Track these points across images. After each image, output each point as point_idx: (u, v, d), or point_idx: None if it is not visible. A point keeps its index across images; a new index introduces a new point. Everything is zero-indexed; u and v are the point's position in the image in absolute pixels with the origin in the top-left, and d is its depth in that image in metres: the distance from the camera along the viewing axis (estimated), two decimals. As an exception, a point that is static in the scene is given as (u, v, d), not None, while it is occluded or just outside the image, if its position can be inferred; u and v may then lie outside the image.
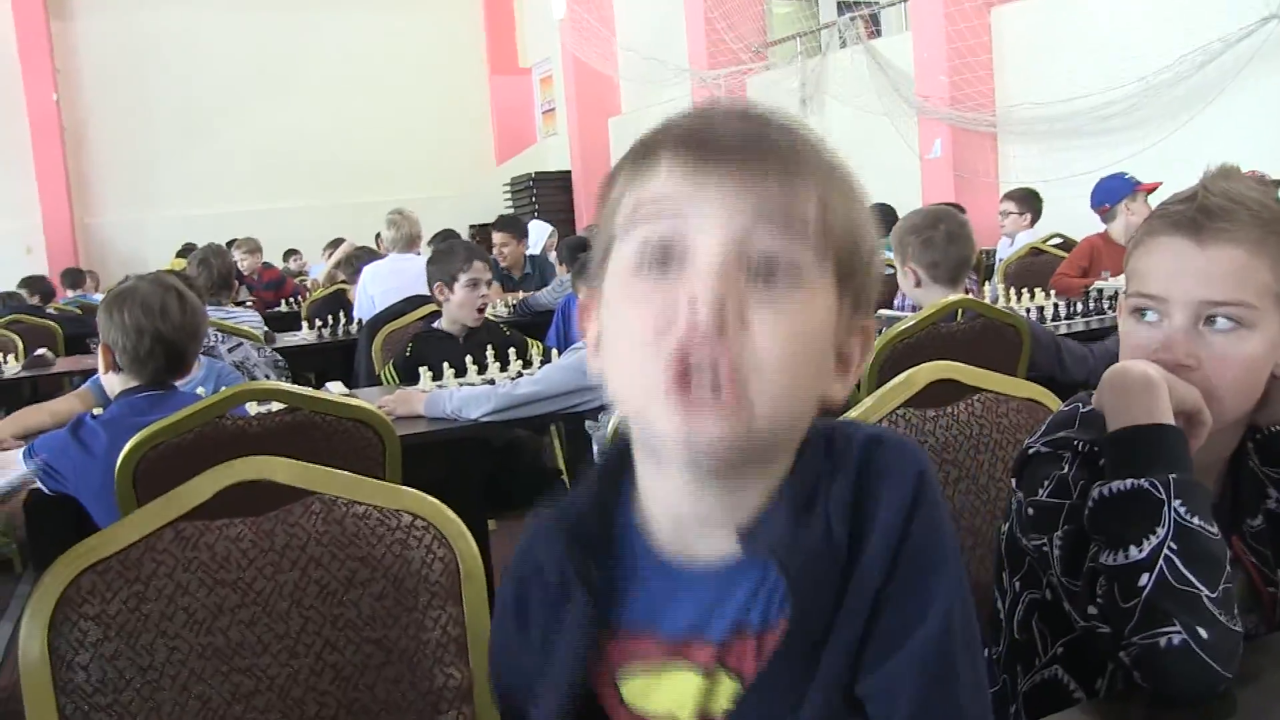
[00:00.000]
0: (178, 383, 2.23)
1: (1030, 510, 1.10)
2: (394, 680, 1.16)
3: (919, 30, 8.26)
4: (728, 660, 0.73)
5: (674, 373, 0.65)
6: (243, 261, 8.41)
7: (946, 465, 1.45)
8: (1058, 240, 5.61)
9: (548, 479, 3.48)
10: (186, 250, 9.71)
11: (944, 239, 2.84)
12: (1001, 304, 3.82)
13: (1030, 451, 1.14)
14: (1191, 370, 1.06)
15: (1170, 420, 1.01)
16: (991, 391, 1.52)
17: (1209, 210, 1.06)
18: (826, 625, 0.70)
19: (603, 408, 2.62)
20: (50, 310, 7.17)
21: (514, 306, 5.68)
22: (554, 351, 3.37)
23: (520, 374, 2.97)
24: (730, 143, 0.67)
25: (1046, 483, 1.10)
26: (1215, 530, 0.98)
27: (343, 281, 6.24)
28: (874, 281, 0.73)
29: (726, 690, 0.73)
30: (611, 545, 0.76)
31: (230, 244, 8.35)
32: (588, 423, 2.67)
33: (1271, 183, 4.29)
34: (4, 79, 13.00)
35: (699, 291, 0.65)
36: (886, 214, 6.23)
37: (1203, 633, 0.91)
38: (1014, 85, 7.68)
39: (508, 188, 14.52)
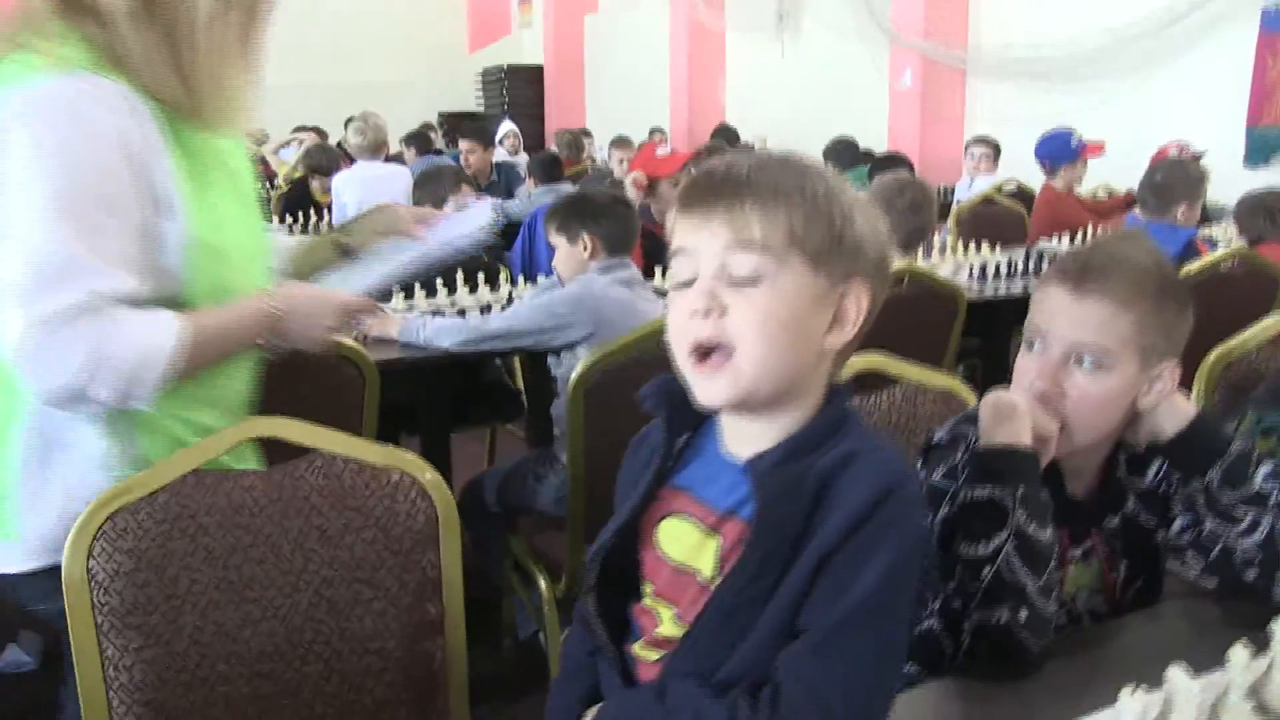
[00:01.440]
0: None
1: (924, 489, 1.32)
2: (380, 613, 1.37)
3: (899, -43, 8.28)
4: (721, 528, 1.01)
5: (692, 351, 0.96)
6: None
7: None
8: (1013, 187, 5.80)
9: (507, 396, 3.67)
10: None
11: (907, 208, 3.04)
12: (949, 256, 4.02)
13: (934, 439, 1.38)
14: (1057, 399, 1.27)
15: (1028, 443, 1.24)
16: (912, 382, 1.72)
17: (1090, 268, 1.27)
18: (785, 559, 0.95)
19: (566, 346, 2.80)
20: None
21: (482, 215, 5.78)
22: (521, 281, 3.53)
23: (489, 304, 3.13)
24: (708, 189, 0.98)
25: (941, 467, 1.33)
26: (1047, 535, 1.22)
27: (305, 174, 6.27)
28: (851, 254, 0.98)
29: (711, 550, 1.00)
30: (700, 423, 1.07)
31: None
32: (550, 358, 2.85)
33: (1194, 158, 4.49)
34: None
35: (695, 295, 0.96)
36: (850, 148, 6.39)
37: (1021, 615, 1.18)
38: (987, 24, 7.77)
39: (479, 78, 14.41)
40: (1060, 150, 4.92)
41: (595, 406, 2.13)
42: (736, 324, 0.94)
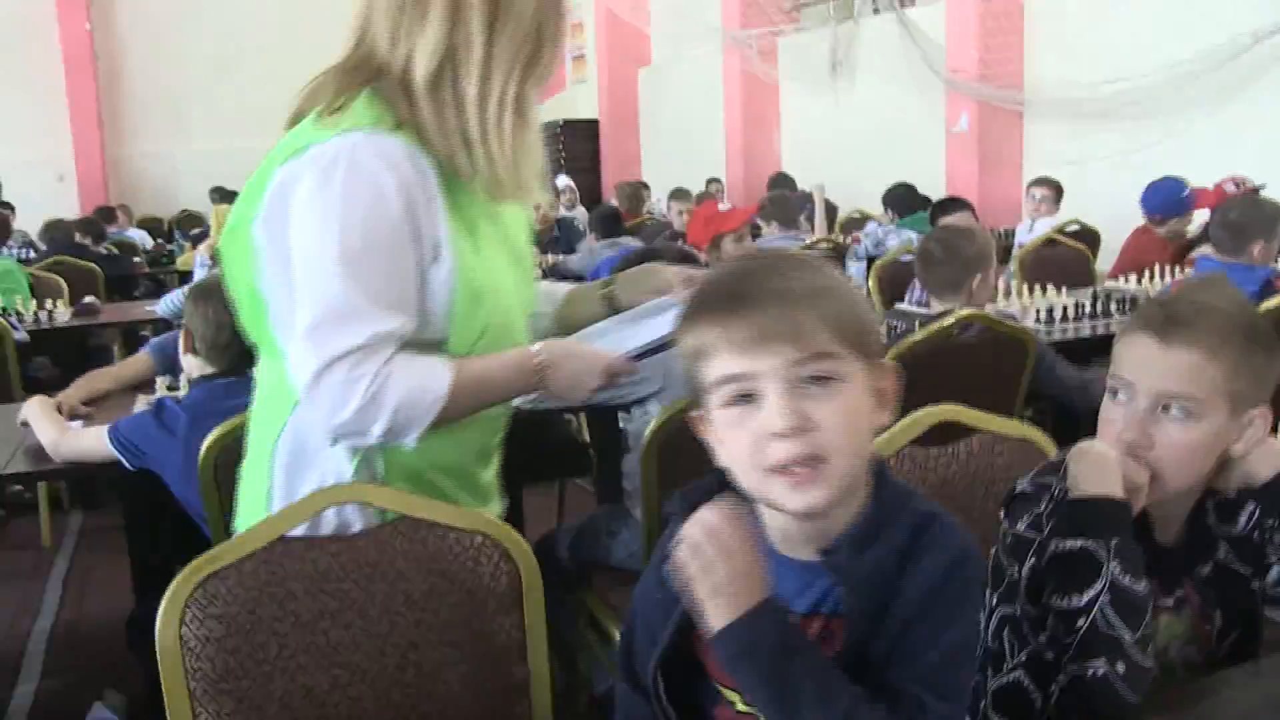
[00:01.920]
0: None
1: (1009, 540, 1.31)
2: (467, 677, 1.38)
3: (953, 1, 8.29)
4: (805, 629, 1.03)
5: (776, 469, 0.97)
6: None
7: (944, 500, 1.64)
8: (1075, 227, 5.73)
9: (575, 452, 3.68)
10: (221, 194, 9.79)
11: (941, 254, 3.04)
12: (1014, 298, 3.98)
13: (1018, 490, 1.36)
14: (1145, 449, 1.25)
15: (1119, 494, 1.22)
16: (989, 432, 1.70)
17: (1176, 317, 1.26)
18: (875, 627, 1.00)
19: (636, 401, 2.80)
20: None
21: (545, 271, 5.86)
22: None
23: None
24: (753, 304, 0.98)
25: (1026, 517, 1.32)
26: (1143, 587, 1.20)
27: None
28: (878, 333, 1.03)
29: None
30: None
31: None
32: (620, 414, 2.86)
33: (1259, 198, 4.41)
34: (38, 5, 13.11)
35: (776, 418, 0.96)
36: (910, 193, 6.37)
37: (1120, 668, 1.16)
38: (1044, 64, 7.72)
39: (535, 135, 14.58)
40: (1171, 203, 4.82)
41: (669, 462, 2.13)
42: (827, 434, 0.96)
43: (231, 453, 2.10)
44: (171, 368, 3.25)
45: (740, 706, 1.07)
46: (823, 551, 1.03)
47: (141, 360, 3.29)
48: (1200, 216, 4.87)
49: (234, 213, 1.48)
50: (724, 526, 1.00)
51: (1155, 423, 1.26)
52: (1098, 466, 1.24)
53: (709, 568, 0.98)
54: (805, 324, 0.96)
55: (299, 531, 1.36)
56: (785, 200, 5.70)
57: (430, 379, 1.40)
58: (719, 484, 1.06)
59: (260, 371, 1.58)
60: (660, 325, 1.65)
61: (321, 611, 1.34)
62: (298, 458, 1.48)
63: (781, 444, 0.96)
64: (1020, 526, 1.31)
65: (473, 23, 1.40)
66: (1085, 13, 7.36)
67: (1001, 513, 1.36)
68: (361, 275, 1.36)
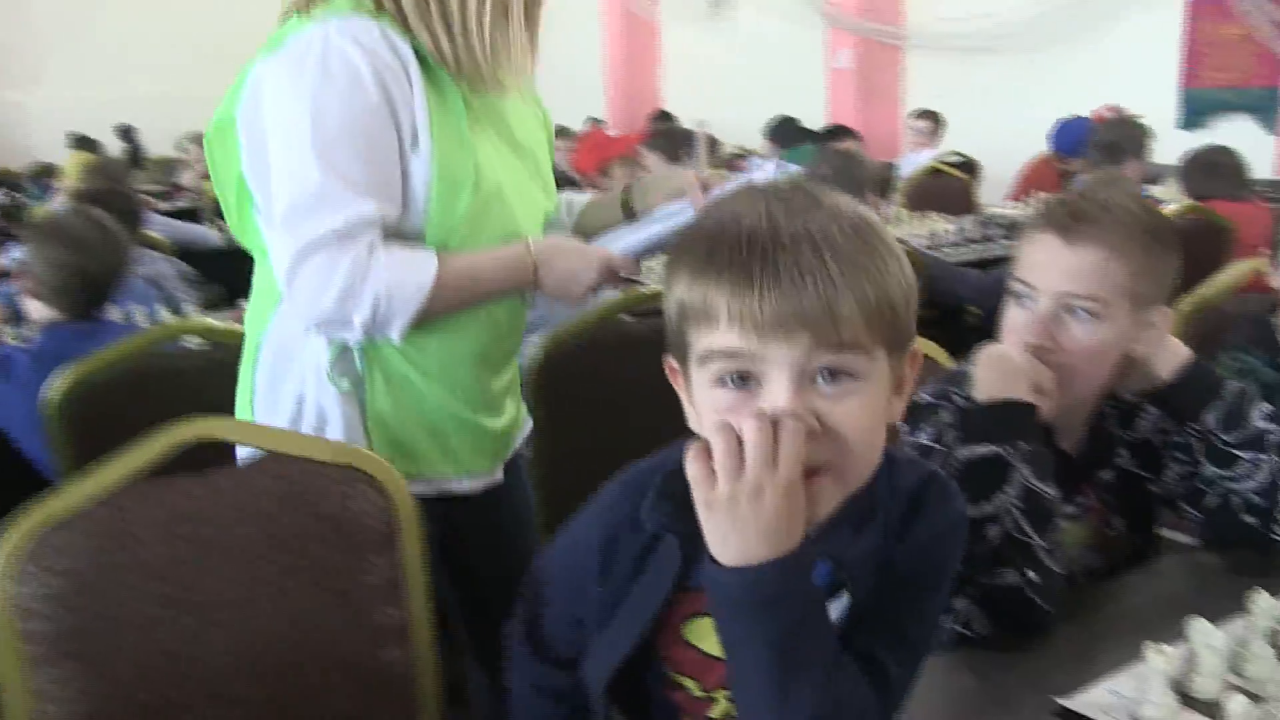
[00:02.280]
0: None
1: (914, 452, 1.26)
2: (340, 621, 1.28)
3: (832, -63, 8.26)
4: None
5: None
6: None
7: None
8: (956, 158, 5.80)
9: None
10: (82, 143, 9.30)
11: (832, 176, 3.02)
12: (899, 226, 3.99)
13: (917, 400, 1.31)
14: (1051, 352, 1.21)
15: (1026, 398, 1.17)
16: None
17: (1079, 214, 1.21)
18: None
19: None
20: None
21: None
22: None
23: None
24: (775, 279, 0.77)
25: (928, 428, 1.27)
26: (1053, 492, 1.17)
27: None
28: (913, 317, 0.84)
29: None
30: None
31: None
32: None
33: (1130, 120, 4.49)
34: None
35: (780, 414, 0.77)
36: (792, 127, 6.34)
37: (1032, 575, 1.12)
38: (922, 1, 7.77)
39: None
40: (1080, 143, 4.82)
41: (559, 397, 2.04)
42: (837, 441, 0.79)
43: (84, 400, 1.95)
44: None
45: (697, 693, 0.96)
46: (809, 537, 0.85)
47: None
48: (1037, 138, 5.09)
49: (218, 112, 1.45)
50: (771, 442, 0.77)
51: (1060, 325, 1.22)
52: (1003, 369, 1.19)
53: (755, 491, 0.77)
54: (840, 313, 0.77)
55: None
56: (672, 132, 5.61)
57: (415, 267, 1.35)
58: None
59: (255, 276, 1.52)
60: (668, 226, 1.57)
61: (178, 560, 1.22)
62: (279, 358, 1.45)
63: None
64: (922, 437, 1.26)
65: None
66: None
67: (901, 424, 1.32)
68: (337, 159, 1.32)
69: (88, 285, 2.18)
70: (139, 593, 1.20)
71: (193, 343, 2.17)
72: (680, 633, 0.96)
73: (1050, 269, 1.22)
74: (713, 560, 0.80)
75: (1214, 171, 3.75)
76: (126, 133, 10.91)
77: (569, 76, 11.69)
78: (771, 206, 0.81)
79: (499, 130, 1.48)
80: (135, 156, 10.55)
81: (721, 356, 0.80)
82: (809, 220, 0.80)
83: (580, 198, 1.76)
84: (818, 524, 0.83)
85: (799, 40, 8.47)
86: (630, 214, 1.68)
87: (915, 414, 1.30)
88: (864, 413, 0.80)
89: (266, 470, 1.27)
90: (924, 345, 1.68)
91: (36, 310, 2.27)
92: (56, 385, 1.93)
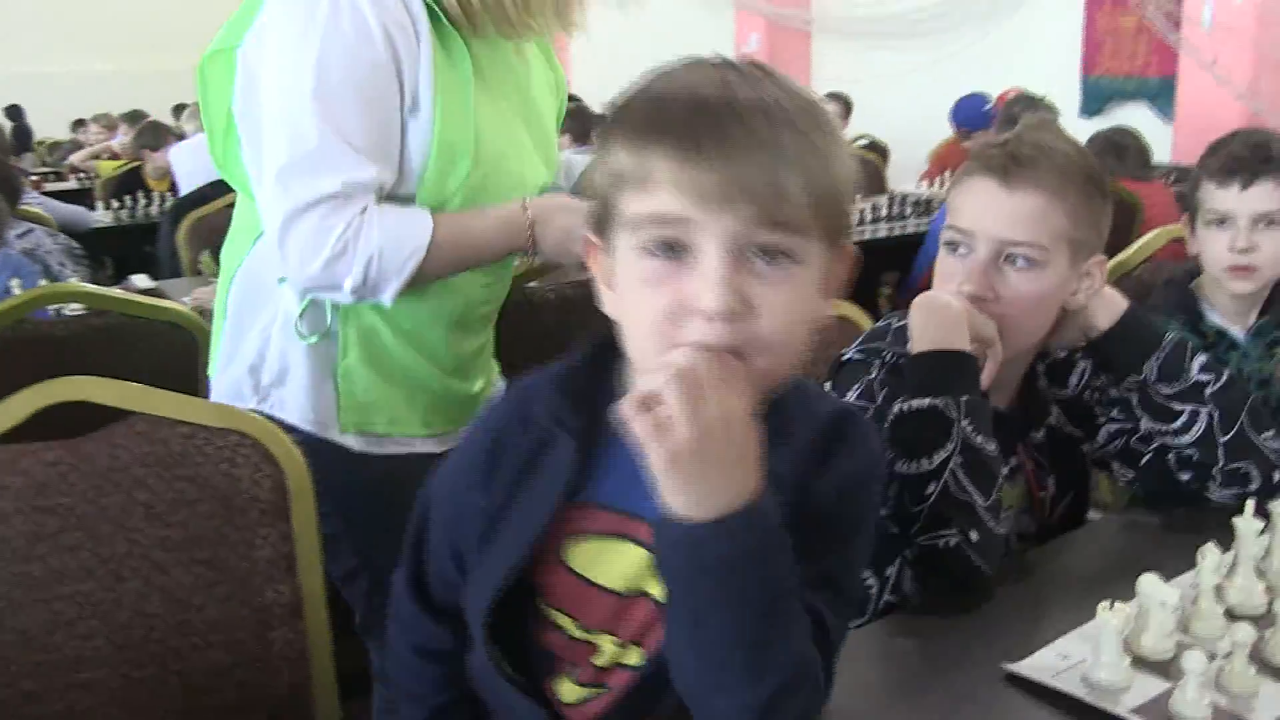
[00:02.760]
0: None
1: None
2: (224, 599, 1.16)
3: (741, -79, 8.24)
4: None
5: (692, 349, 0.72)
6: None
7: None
8: (865, 141, 5.81)
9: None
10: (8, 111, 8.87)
11: None
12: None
13: (844, 358, 1.25)
14: (989, 302, 1.16)
15: (966, 347, 1.11)
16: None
17: (1017, 158, 1.16)
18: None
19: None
20: None
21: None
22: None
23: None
24: (722, 145, 0.72)
25: (856, 386, 1.20)
26: (994, 448, 1.11)
27: (137, 160, 5.87)
28: (849, 214, 0.81)
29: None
30: (596, 416, 0.82)
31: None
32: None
33: (1038, 100, 4.54)
34: None
35: (709, 291, 0.72)
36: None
37: (973, 535, 1.06)
38: (830, -16, 7.79)
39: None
40: (976, 117, 5.11)
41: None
42: (763, 327, 0.73)
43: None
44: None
45: (575, 633, 0.87)
46: None
47: None
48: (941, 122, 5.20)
49: (219, 36, 1.39)
50: (728, 382, 0.70)
51: (998, 274, 1.16)
52: (942, 318, 1.13)
53: (707, 434, 0.68)
54: (786, 189, 0.72)
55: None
56: (584, 113, 5.53)
57: (409, 230, 1.30)
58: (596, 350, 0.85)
59: (235, 211, 1.47)
60: None
61: (37, 533, 1.09)
62: (249, 297, 1.40)
63: (706, 326, 0.72)
64: (851, 397, 1.20)
65: None
66: (868, -69, 7.42)
67: (827, 385, 1.25)
68: (337, 116, 1.26)
69: None
70: (-8, 571, 1.07)
71: (71, 309, 2.02)
72: (559, 555, 0.86)
73: (987, 215, 1.16)
74: (675, 521, 0.71)
75: (1119, 152, 3.79)
76: (14, 112, 10.45)
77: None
78: (727, 75, 0.75)
79: (511, 94, 1.42)
80: (23, 137, 10.11)
81: (654, 222, 0.74)
82: (764, 92, 0.74)
83: (580, 158, 1.70)
84: None
85: (707, 25, 8.43)
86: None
87: (843, 372, 1.24)
88: (795, 300, 0.74)
89: (140, 434, 1.15)
90: (844, 307, 1.63)
91: None
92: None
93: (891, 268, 4.14)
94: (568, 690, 0.88)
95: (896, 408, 1.11)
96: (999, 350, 1.14)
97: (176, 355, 1.94)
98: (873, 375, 1.20)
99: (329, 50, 1.25)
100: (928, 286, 1.27)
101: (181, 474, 1.15)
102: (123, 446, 1.14)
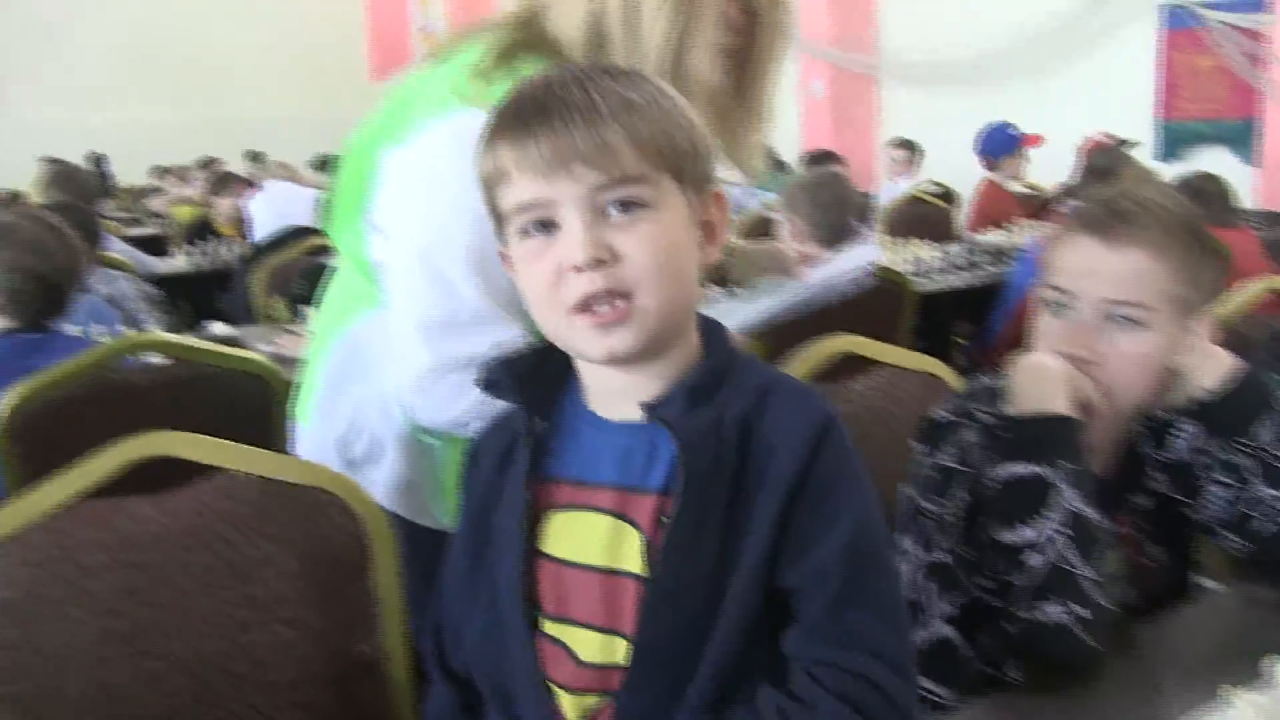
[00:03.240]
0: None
1: (935, 475, 1.16)
2: (308, 658, 1.15)
3: (804, -33, 8.27)
4: (628, 509, 0.87)
5: (578, 308, 0.83)
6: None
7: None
8: (935, 188, 5.76)
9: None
10: (53, 164, 9.14)
11: (831, 202, 2.90)
12: (886, 252, 3.91)
13: (937, 419, 1.21)
14: (1092, 364, 1.12)
15: (1068, 411, 1.07)
16: (890, 365, 1.56)
17: (1119, 214, 1.12)
18: (722, 521, 0.84)
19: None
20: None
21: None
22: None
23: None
24: (546, 121, 0.83)
25: (949, 449, 1.17)
26: (1099, 517, 1.06)
27: (209, 207, 6.00)
28: (705, 159, 0.89)
29: (631, 541, 0.86)
30: (552, 403, 0.93)
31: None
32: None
33: (1120, 143, 4.46)
34: None
35: (575, 249, 0.82)
36: (767, 155, 6.29)
37: (1081, 611, 1.00)
38: (896, 29, 7.77)
39: (382, 107, 14.12)
40: (1000, 142, 4.92)
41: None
42: (631, 267, 0.83)
43: (34, 418, 1.82)
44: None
45: (583, 658, 0.88)
46: (646, 404, 0.87)
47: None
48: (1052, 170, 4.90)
49: (362, 140, 1.35)
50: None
51: (1101, 334, 1.12)
52: (1044, 380, 1.09)
53: None
54: (610, 143, 0.82)
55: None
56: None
57: None
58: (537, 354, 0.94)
59: (339, 278, 1.45)
60: (780, 301, 1.60)
61: (126, 589, 1.09)
62: (349, 366, 1.38)
63: (581, 278, 0.83)
64: (944, 459, 1.16)
65: None
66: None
67: (917, 445, 1.22)
68: (489, 274, 1.20)
69: (44, 292, 2.05)
70: (81, 626, 1.07)
71: (153, 359, 2.04)
72: (537, 545, 0.90)
73: (1089, 274, 1.13)
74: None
75: (1202, 198, 3.70)
76: (97, 161, 10.77)
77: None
78: (551, 71, 0.88)
79: None
80: (105, 184, 10.41)
81: (520, 209, 0.85)
82: (581, 73, 0.86)
83: None
84: (654, 398, 0.86)
85: (773, 70, 8.45)
86: (722, 285, 1.66)
87: (934, 432, 1.20)
88: (655, 236, 0.83)
89: (225, 491, 1.15)
90: (931, 364, 1.60)
91: None
92: (6, 399, 1.79)
93: (964, 317, 4.08)
94: (569, 706, 0.88)
95: (995, 473, 1.08)
96: (1102, 414, 1.10)
97: (255, 404, 1.95)
98: (968, 437, 1.16)
99: (483, 211, 1.22)
100: (1009, 340, 1.23)
101: (266, 532, 1.14)
102: (207, 504, 1.14)
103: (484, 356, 1.17)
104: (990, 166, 4.96)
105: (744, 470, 0.85)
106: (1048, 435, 1.07)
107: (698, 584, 0.83)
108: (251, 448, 1.17)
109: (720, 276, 1.67)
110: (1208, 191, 3.71)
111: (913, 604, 1.20)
